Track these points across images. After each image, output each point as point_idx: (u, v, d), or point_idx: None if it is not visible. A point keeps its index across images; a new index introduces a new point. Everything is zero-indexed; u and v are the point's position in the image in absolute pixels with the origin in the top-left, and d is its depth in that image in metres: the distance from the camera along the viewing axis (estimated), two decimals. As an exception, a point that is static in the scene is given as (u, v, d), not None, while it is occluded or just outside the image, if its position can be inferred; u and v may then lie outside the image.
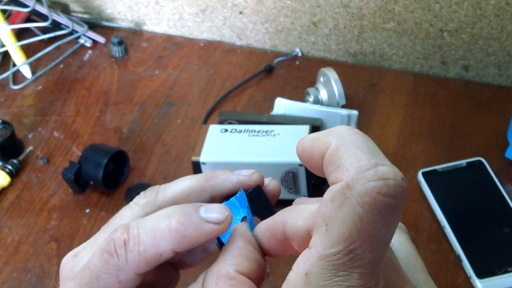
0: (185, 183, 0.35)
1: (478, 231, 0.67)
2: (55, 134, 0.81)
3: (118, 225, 0.35)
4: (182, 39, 0.96)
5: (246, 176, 0.35)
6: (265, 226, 0.34)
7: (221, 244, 0.34)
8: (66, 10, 0.98)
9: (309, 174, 0.67)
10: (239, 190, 0.35)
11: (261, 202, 0.36)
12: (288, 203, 0.72)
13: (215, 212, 0.33)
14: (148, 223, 0.33)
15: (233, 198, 0.35)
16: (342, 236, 0.25)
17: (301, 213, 0.32)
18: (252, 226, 0.35)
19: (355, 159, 0.27)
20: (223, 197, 0.35)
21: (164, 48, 0.94)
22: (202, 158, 0.68)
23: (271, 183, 0.37)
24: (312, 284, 0.25)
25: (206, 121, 0.82)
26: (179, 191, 0.34)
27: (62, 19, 0.93)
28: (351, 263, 0.26)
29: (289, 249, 0.33)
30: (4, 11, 0.90)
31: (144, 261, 0.32)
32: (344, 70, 0.84)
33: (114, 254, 0.33)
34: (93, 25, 0.97)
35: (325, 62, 0.89)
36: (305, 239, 0.30)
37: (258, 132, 0.70)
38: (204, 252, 0.38)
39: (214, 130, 0.71)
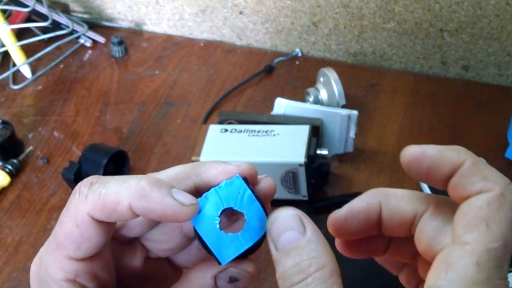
0: (173, 170, 0.34)
1: (478, 231, 0.67)
2: (55, 134, 0.81)
3: None
4: (182, 39, 0.96)
5: (233, 166, 0.34)
6: (357, 207, 0.35)
7: (202, 243, 0.33)
8: (66, 10, 0.98)
9: (309, 174, 0.67)
10: (223, 181, 0.34)
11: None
12: (288, 203, 0.72)
13: (184, 196, 0.32)
14: (120, 177, 0.33)
15: (213, 189, 0.33)
16: (501, 233, 0.31)
17: (401, 197, 0.35)
18: (255, 206, 0.35)
19: (497, 174, 0.33)
20: (208, 187, 0.34)
21: (164, 48, 0.94)
22: (202, 158, 0.68)
23: (264, 180, 0.36)
24: (483, 272, 0.30)
25: (206, 121, 0.82)
26: (165, 176, 0.34)
27: (62, 19, 0.93)
28: (505, 256, 0.31)
29: (367, 231, 0.35)
30: (4, 11, 0.90)
31: (100, 204, 0.32)
32: (344, 70, 0.84)
33: (77, 192, 0.33)
34: (93, 25, 0.97)
35: (325, 62, 0.89)
36: (407, 222, 0.34)
37: (258, 132, 0.70)
38: (199, 252, 0.38)
39: (214, 130, 0.71)
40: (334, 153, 0.75)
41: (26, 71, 0.90)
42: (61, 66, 0.92)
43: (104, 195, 0.33)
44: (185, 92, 0.87)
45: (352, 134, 0.73)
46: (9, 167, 0.76)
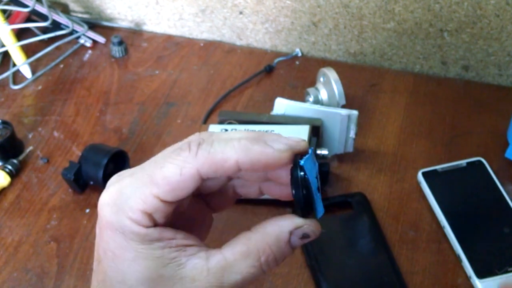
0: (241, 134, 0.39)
1: (478, 231, 0.67)
2: (55, 134, 0.81)
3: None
4: (182, 39, 0.96)
5: (300, 141, 0.39)
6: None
7: (302, 195, 0.38)
8: (66, 10, 0.98)
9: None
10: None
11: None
12: (288, 203, 0.72)
13: (279, 143, 0.38)
14: (222, 135, 0.38)
15: (308, 155, 0.38)
16: None
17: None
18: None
19: None
20: None
21: (164, 48, 0.94)
22: (202, 158, 0.68)
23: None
24: None
25: (206, 121, 0.82)
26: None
27: (62, 19, 0.93)
28: None
29: None
30: (4, 11, 0.90)
31: (209, 161, 0.37)
32: (344, 70, 0.84)
33: (187, 148, 0.38)
34: (93, 25, 0.97)
35: (325, 62, 0.89)
36: None
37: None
38: (234, 196, 0.43)
39: (214, 130, 0.71)
40: (334, 153, 0.75)
41: (26, 71, 0.90)
42: (61, 66, 0.92)
43: (214, 153, 0.37)
44: (185, 92, 0.87)
45: (352, 134, 0.73)
46: (9, 167, 0.76)
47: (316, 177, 0.39)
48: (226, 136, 0.38)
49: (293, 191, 0.38)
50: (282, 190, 0.42)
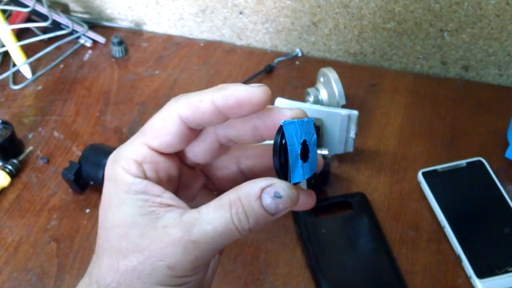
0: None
1: (478, 231, 0.67)
2: (55, 134, 0.81)
3: None
4: (182, 39, 0.96)
5: (300, 111, 0.41)
6: None
7: (279, 157, 0.39)
8: (66, 10, 0.98)
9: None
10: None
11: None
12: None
13: (253, 84, 0.40)
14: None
15: (298, 120, 0.39)
16: None
17: None
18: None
19: None
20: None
21: (164, 48, 0.94)
22: (202, 158, 0.68)
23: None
24: None
25: (206, 121, 0.82)
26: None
27: (62, 19, 0.93)
28: None
29: None
30: (4, 11, 0.90)
31: (187, 104, 0.42)
32: (344, 70, 0.84)
33: (171, 100, 0.43)
34: (93, 25, 0.97)
35: (325, 62, 0.89)
36: None
37: (258, 132, 0.70)
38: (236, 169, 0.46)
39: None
40: (334, 153, 0.75)
41: (26, 71, 0.90)
42: (61, 66, 0.92)
43: (191, 97, 0.42)
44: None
45: (352, 134, 0.73)
46: (9, 167, 0.76)
47: (303, 144, 0.39)
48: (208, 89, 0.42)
49: (274, 150, 0.39)
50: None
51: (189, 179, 0.46)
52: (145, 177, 0.41)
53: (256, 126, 0.42)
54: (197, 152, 0.44)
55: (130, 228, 0.39)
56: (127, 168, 0.41)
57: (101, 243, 0.40)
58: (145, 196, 0.40)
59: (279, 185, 0.39)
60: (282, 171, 0.39)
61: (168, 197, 0.41)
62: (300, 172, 0.40)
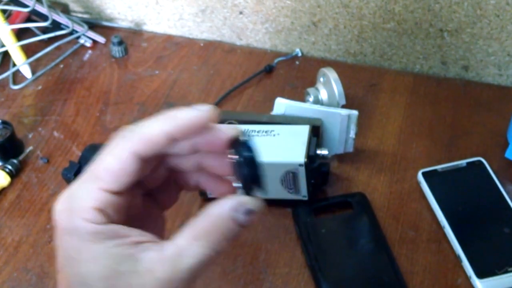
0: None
1: (478, 231, 0.67)
2: (55, 134, 0.81)
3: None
4: (182, 39, 0.96)
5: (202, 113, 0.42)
6: None
7: (251, 170, 0.41)
8: (66, 10, 0.98)
9: (309, 174, 0.67)
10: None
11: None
12: (288, 203, 0.72)
13: (201, 105, 0.42)
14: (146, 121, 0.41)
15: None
16: None
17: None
18: None
19: None
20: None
21: (164, 48, 0.94)
22: (202, 158, 0.68)
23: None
24: None
25: (206, 121, 0.82)
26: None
27: (62, 19, 0.93)
28: None
29: None
30: (4, 11, 0.90)
31: (140, 138, 0.40)
32: (344, 70, 0.84)
33: (117, 136, 0.40)
34: (93, 25, 0.97)
35: (325, 62, 0.89)
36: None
37: (258, 132, 0.70)
38: (176, 189, 0.46)
39: (214, 130, 0.71)
40: (334, 153, 0.75)
41: (26, 71, 0.90)
42: (61, 66, 0.92)
43: (141, 129, 0.40)
44: (185, 92, 0.87)
45: (352, 134, 0.73)
46: (9, 167, 0.76)
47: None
48: (153, 119, 0.41)
49: (240, 169, 0.41)
50: (218, 185, 0.45)
51: (144, 210, 0.45)
52: (109, 221, 0.40)
53: (196, 142, 0.43)
54: (151, 180, 0.44)
55: (115, 279, 0.38)
56: (89, 218, 0.39)
57: None
58: (116, 240, 0.39)
59: (249, 202, 0.41)
60: (251, 183, 0.41)
61: (136, 234, 0.40)
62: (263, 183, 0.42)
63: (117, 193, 0.40)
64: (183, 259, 0.39)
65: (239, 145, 0.41)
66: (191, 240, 0.39)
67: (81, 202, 0.39)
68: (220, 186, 0.45)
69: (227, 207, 0.40)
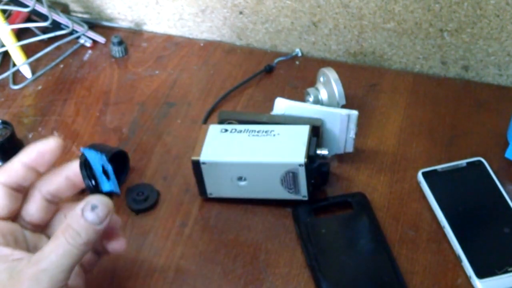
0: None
1: (478, 231, 0.67)
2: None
3: None
4: (182, 39, 0.96)
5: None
6: None
7: (89, 176, 0.54)
8: (66, 10, 0.98)
9: (309, 174, 0.67)
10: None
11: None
12: (288, 203, 0.72)
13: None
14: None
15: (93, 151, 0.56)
16: None
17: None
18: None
19: None
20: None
21: (164, 48, 0.94)
22: (202, 158, 0.68)
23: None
24: None
25: (206, 121, 0.82)
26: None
27: (62, 19, 0.93)
28: None
29: None
30: (4, 11, 0.90)
31: (3, 171, 0.54)
32: (344, 70, 0.84)
33: None
34: (93, 25, 0.97)
35: (325, 62, 0.89)
36: None
37: (258, 132, 0.70)
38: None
39: (214, 130, 0.71)
40: (334, 153, 0.75)
41: (26, 71, 0.90)
42: (61, 66, 0.92)
43: (5, 165, 0.53)
44: (185, 92, 0.87)
45: (352, 134, 0.73)
46: (9, 167, 0.75)
47: (102, 165, 0.54)
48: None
49: (82, 174, 0.53)
50: (112, 242, 0.56)
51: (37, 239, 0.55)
52: None
53: (68, 176, 0.55)
54: (32, 213, 0.54)
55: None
56: None
57: None
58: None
59: (93, 198, 0.50)
60: (92, 184, 0.53)
61: (18, 253, 0.49)
62: (107, 183, 0.53)
63: (2, 218, 0.51)
64: (44, 256, 0.48)
65: (80, 156, 0.54)
66: (50, 242, 0.48)
67: None
68: (117, 241, 0.55)
69: (78, 208, 0.49)
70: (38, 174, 0.54)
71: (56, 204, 0.56)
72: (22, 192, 0.54)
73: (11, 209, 0.53)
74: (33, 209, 0.54)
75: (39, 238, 0.55)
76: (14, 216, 0.54)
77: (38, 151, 0.53)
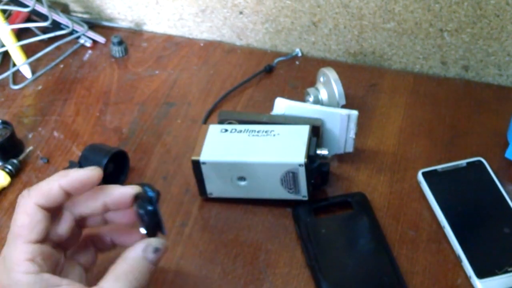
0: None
1: (478, 231, 0.67)
2: (55, 134, 0.81)
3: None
4: (182, 39, 0.96)
5: (129, 188, 0.55)
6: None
7: (153, 218, 0.53)
8: (66, 10, 0.98)
9: (309, 174, 0.67)
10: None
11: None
12: (288, 203, 0.72)
13: (89, 167, 0.54)
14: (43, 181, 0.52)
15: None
16: None
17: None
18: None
19: None
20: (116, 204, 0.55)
21: (164, 48, 0.94)
22: (202, 158, 0.68)
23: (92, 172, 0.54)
24: None
25: (206, 121, 0.82)
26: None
27: (62, 19, 0.93)
28: None
29: None
30: (4, 11, 0.90)
31: (40, 193, 0.50)
32: (344, 70, 0.84)
33: (20, 197, 0.51)
34: (93, 25, 0.97)
35: (325, 62, 0.89)
36: None
37: (258, 132, 0.70)
38: (104, 221, 0.56)
39: (214, 130, 0.71)
40: (334, 153, 0.75)
41: (26, 71, 0.90)
42: (61, 66, 0.92)
43: (41, 186, 0.51)
44: (185, 92, 0.87)
45: (352, 134, 0.73)
46: (9, 167, 0.76)
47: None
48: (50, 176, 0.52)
49: (144, 219, 0.53)
50: (128, 236, 0.56)
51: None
52: (41, 271, 0.48)
53: (106, 202, 0.54)
54: (61, 233, 0.54)
55: None
56: (24, 270, 0.47)
57: None
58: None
59: (155, 242, 0.52)
60: (153, 229, 0.53)
61: (66, 283, 0.49)
62: (163, 225, 0.54)
63: (38, 241, 0.50)
64: None
65: (141, 199, 0.53)
66: (112, 283, 0.49)
67: (13, 259, 0.47)
68: (130, 237, 0.56)
69: (139, 249, 0.51)
70: (70, 197, 0.54)
71: (80, 229, 0.56)
72: (55, 212, 0.53)
73: (47, 231, 0.51)
74: (63, 230, 0.53)
75: (60, 256, 0.54)
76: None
77: (80, 181, 0.52)
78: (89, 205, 0.54)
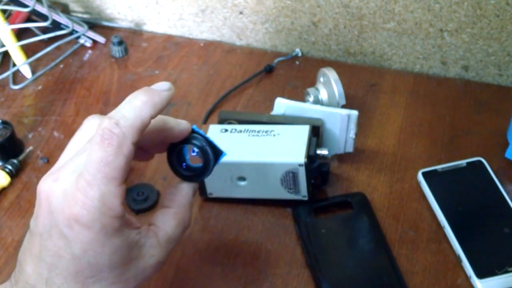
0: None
1: (478, 231, 0.67)
2: (55, 134, 0.81)
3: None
4: (182, 39, 0.96)
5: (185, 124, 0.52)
6: None
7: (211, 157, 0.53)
8: (66, 10, 0.98)
9: (309, 174, 0.67)
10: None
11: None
12: (288, 203, 0.72)
13: (163, 84, 0.48)
14: (124, 106, 0.46)
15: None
16: None
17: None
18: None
19: None
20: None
21: (164, 48, 0.94)
22: (202, 158, 0.68)
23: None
24: None
25: (206, 121, 0.82)
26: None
27: (62, 19, 0.93)
28: None
29: None
30: (4, 11, 0.90)
31: (135, 130, 0.45)
32: (344, 70, 0.84)
33: (113, 135, 0.44)
34: (93, 25, 0.97)
35: (325, 62, 0.89)
36: None
37: (258, 132, 0.70)
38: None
39: (214, 130, 0.71)
40: (334, 153, 0.75)
41: (26, 71, 0.90)
42: (61, 66, 0.92)
43: (133, 121, 0.45)
44: (185, 92, 0.87)
45: (352, 134, 0.73)
46: (9, 167, 0.76)
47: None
48: (128, 105, 0.46)
49: (205, 149, 0.53)
50: (162, 147, 0.54)
51: None
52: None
53: (166, 136, 0.51)
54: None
55: (126, 264, 0.47)
56: (118, 215, 0.45)
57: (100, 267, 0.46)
58: (128, 230, 0.47)
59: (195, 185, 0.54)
60: (214, 154, 0.53)
61: (133, 220, 0.49)
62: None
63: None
64: (171, 243, 0.50)
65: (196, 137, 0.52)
66: (175, 228, 0.50)
67: (107, 204, 0.44)
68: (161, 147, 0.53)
69: (189, 196, 0.53)
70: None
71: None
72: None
73: None
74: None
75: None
76: None
77: (163, 104, 0.48)
78: (152, 138, 0.51)
